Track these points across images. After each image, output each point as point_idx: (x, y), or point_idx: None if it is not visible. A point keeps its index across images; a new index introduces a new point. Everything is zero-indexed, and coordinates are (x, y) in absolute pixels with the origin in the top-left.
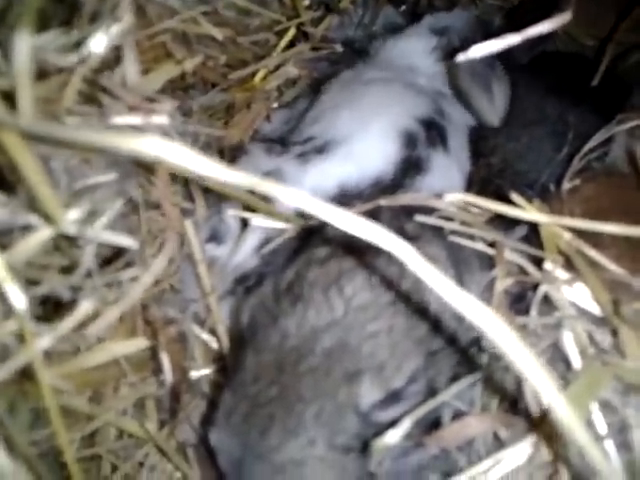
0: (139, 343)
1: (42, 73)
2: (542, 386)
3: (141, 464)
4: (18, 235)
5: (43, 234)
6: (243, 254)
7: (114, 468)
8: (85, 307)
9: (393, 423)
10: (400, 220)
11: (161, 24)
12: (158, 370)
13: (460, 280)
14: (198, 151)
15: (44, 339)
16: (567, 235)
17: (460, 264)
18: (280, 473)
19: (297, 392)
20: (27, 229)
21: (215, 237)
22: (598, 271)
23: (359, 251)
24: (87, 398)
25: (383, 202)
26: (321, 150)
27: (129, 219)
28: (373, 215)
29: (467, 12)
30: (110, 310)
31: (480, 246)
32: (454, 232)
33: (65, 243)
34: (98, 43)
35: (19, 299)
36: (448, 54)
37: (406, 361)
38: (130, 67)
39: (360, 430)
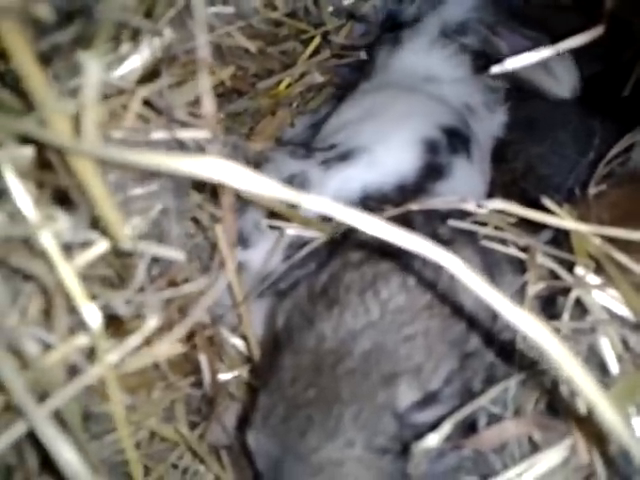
0: (178, 348)
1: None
2: (586, 388)
3: (174, 466)
4: (76, 251)
5: (102, 249)
6: (274, 259)
7: (147, 471)
8: (152, 323)
9: (432, 426)
10: (433, 224)
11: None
12: (190, 373)
13: (492, 284)
14: (251, 170)
15: (113, 355)
16: (597, 240)
17: (492, 268)
18: (319, 473)
19: (335, 394)
20: (85, 245)
21: (241, 241)
22: (628, 275)
23: (394, 254)
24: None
25: (414, 206)
26: (344, 157)
27: (164, 229)
28: (406, 219)
29: None
30: (176, 329)
31: (512, 250)
32: (486, 236)
33: (113, 257)
34: (139, 58)
35: (94, 316)
36: (475, 55)
37: (442, 363)
38: (207, 95)
39: (397, 431)
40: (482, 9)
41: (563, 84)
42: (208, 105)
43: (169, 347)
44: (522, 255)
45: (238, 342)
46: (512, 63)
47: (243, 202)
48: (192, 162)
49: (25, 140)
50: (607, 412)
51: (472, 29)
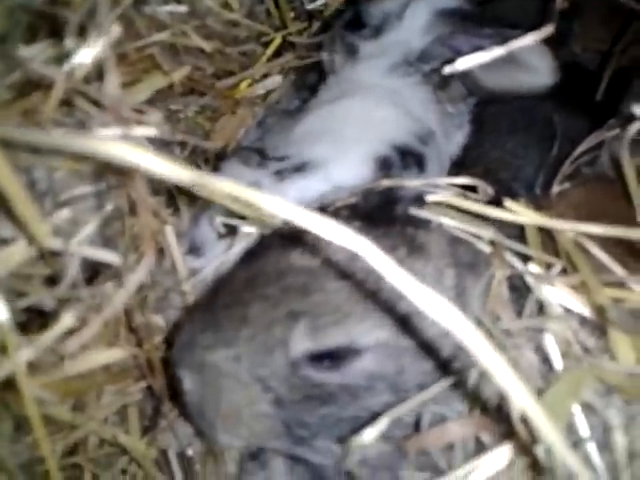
0: (119, 353)
1: (29, 85)
2: (515, 391)
3: (123, 472)
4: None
5: (24, 248)
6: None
7: (95, 477)
8: (67, 320)
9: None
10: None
11: (150, 37)
12: (141, 378)
13: (460, 275)
14: (164, 157)
15: (26, 351)
16: (560, 237)
17: (462, 258)
18: (202, 372)
19: (243, 310)
20: (9, 241)
21: (194, 248)
22: (587, 273)
23: None
24: (70, 407)
25: (386, 182)
26: (299, 169)
27: (109, 229)
28: (390, 199)
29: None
30: (91, 323)
31: (481, 245)
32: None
33: (49, 254)
34: (84, 55)
35: (1, 310)
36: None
37: (352, 325)
38: (111, 79)
39: (288, 378)
40: (436, 25)
41: (542, 72)
42: (112, 89)
43: (109, 353)
44: (486, 248)
45: None
46: (462, 64)
47: (200, 209)
48: (92, 142)
49: None
50: (539, 420)
51: (434, 54)
